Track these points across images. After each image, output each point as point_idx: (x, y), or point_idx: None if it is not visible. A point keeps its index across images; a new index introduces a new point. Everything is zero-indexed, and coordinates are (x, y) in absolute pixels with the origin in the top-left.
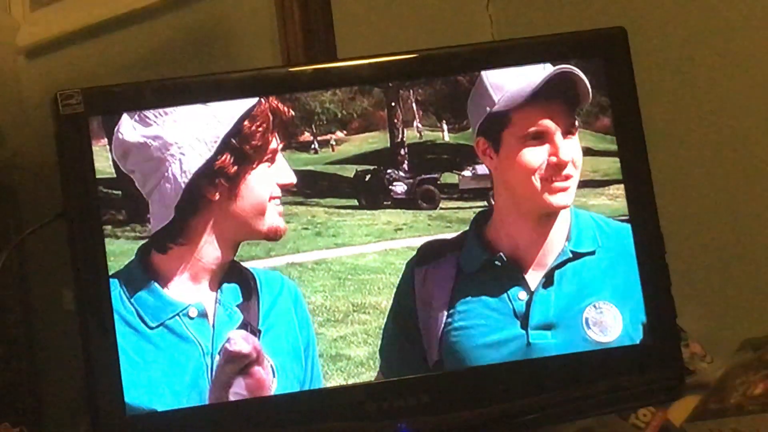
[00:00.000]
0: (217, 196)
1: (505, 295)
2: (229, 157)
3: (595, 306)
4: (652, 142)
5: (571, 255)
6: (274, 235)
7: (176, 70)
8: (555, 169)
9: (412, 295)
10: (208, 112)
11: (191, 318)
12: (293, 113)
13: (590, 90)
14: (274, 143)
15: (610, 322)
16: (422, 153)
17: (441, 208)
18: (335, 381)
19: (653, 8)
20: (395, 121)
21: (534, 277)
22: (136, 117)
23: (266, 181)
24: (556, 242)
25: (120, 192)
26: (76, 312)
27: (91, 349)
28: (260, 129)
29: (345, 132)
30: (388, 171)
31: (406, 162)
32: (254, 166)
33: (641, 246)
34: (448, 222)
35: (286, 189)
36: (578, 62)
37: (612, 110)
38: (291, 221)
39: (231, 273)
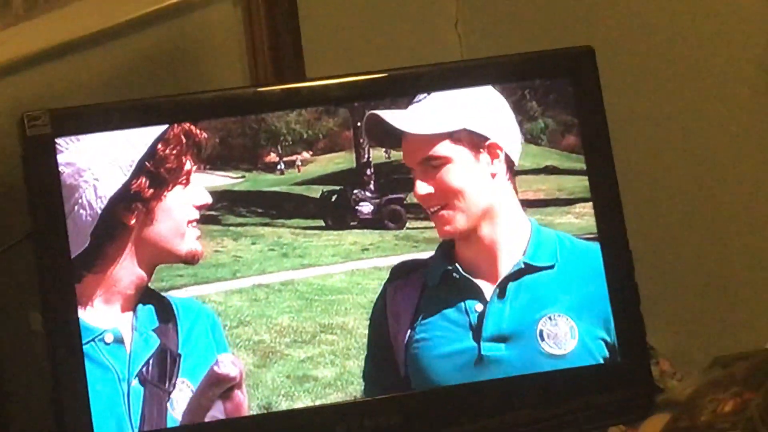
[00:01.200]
0: (134, 221)
1: (462, 306)
2: (144, 180)
3: (550, 318)
4: (620, 161)
5: (523, 266)
6: (192, 259)
7: (144, 91)
8: (421, 201)
9: (384, 310)
10: (121, 137)
11: (107, 343)
12: (205, 135)
13: (398, 128)
14: (189, 165)
15: (565, 335)
16: (388, 173)
17: (407, 228)
18: (302, 402)
19: (621, 27)
20: (361, 141)
21: (489, 288)
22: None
23: (182, 204)
24: (511, 255)
25: None
26: (44, 333)
27: (59, 370)
28: (174, 152)
29: (311, 152)
30: (354, 191)
31: (372, 182)
32: (169, 188)
33: (610, 264)
34: (414, 242)
35: (203, 211)
36: (546, 81)
37: (580, 129)
38: (257, 242)
39: (147, 296)
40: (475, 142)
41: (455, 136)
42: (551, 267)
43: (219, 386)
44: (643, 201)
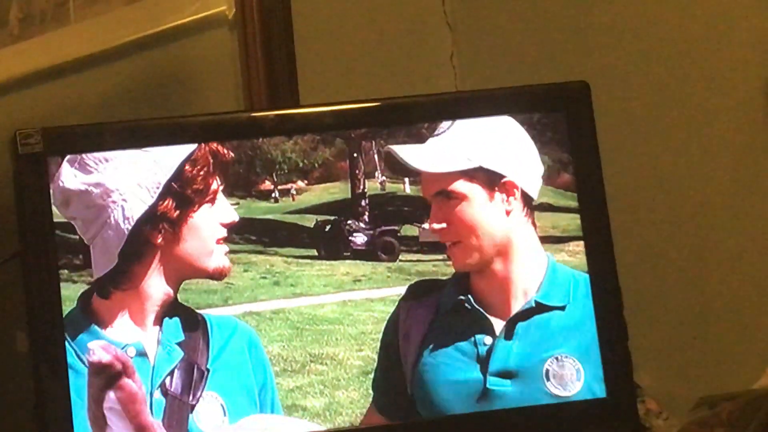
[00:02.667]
0: (161, 240)
1: (472, 338)
2: (171, 201)
3: (557, 359)
4: (612, 198)
5: (534, 305)
6: (219, 276)
7: (138, 113)
8: (436, 234)
9: (396, 328)
10: (149, 158)
11: (130, 357)
12: (233, 155)
13: (413, 166)
14: (215, 184)
15: (571, 377)
16: (383, 204)
17: (401, 260)
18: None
19: (617, 63)
20: (357, 171)
21: (499, 323)
22: (77, 164)
23: (209, 222)
24: (523, 293)
25: (77, 236)
26: (30, 354)
27: (43, 391)
28: (201, 172)
29: (306, 181)
30: (348, 222)
31: (366, 213)
32: (196, 208)
33: (600, 301)
34: (407, 274)
35: (231, 229)
36: (542, 116)
37: (573, 166)
38: (249, 270)
39: (173, 309)
40: (490, 179)
41: (470, 175)
42: (562, 308)
43: (99, 375)
44: (634, 239)
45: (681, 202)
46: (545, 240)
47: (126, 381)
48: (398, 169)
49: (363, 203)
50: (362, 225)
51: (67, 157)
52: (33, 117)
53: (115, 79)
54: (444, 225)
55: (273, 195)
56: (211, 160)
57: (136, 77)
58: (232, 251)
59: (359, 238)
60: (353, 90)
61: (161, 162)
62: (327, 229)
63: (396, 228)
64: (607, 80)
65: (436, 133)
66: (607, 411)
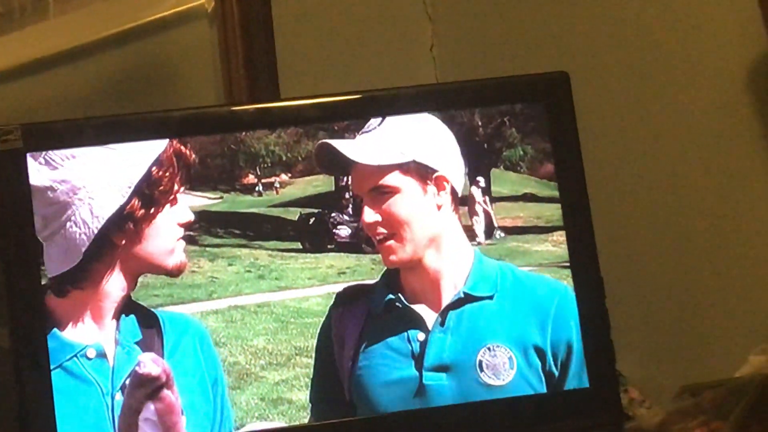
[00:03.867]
0: (124, 240)
1: (405, 335)
2: (138, 202)
3: (489, 348)
4: (593, 188)
5: (463, 296)
6: (177, 272)
7: (118, 108)
8: (368, 229)
9: (329, 336)
10: (117, 156)
11: (89, 359)
12: (195, 155)
13: (350, 158)
14: (176, 186)
15: (504, 365)
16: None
17: None
18: (276, 425)
19: (596, 53)
20: None
21: (431, 318)
22: (41, 159)
23: (169, 222)
24: (451, 285)
25: None
26: (12, 353)
27: (26, 388)
28: (167, 174)
29: (290, 175)
30: (333, 214)
31: (350, 206)
32: (160, 209)
33: (582, 291)
34: None
35: (187, 227)
36: (522, 106)
37: (553, 156)
38: (233, 264)
39: (129, 308)
40: (423, 174)
41: (404, 168)
42: (490, 297)
43: (144, 387)
44: (616, 228)
45: (663, 191)
46: (528, 230)
47: (167, 393)
48: (333, 161)
49: (347, 196)
50: (346, 217)
51: (31, 152)
52: (12, 112)
53: (95, 73)
54: (378, 218)
55: (257, 189)
56: (176, 162)
57: (116, 71)
58: (216, 245)
59: (343, 231)
60: (333, 83)
61: (131, 161)
62: (311, 222)
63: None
64: (587, 70)
65: (367, 128)
66: (589, 400)
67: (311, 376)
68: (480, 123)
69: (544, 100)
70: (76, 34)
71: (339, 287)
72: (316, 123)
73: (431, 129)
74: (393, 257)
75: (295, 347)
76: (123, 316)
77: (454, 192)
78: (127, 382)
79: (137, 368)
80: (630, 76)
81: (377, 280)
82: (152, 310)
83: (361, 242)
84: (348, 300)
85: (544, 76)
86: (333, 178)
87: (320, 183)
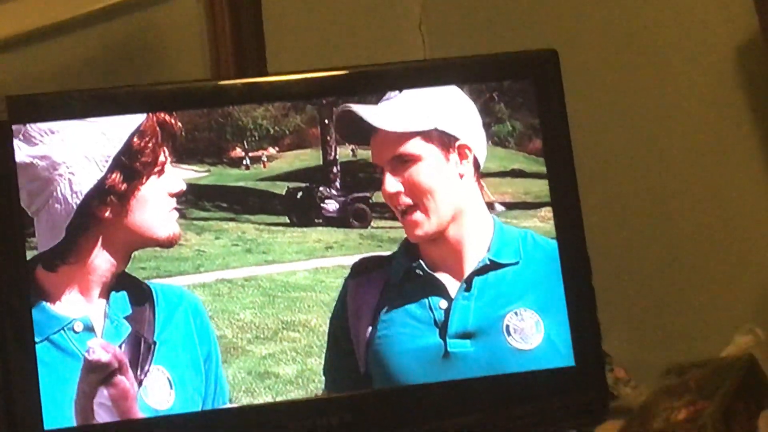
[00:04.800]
0: (108, 214)
1: (426, 302)
2: (119, 175)
3: (516, 313)
4: (581, 165)
5: (489, 263)
6: (169, 243)
7: (105, 82)
8: (390, 201)
9: (345, 307)
10: (97, 129)
11: (76, 332)
12: (180, 125)
13: (372, 124)
14: (163, 156)
15: (531, 330)
16: (354, 171)
17: (372, 227)
18: (263, 399)
19: (585, 30)
20: (328, 138)
21: (454, 286)
22: (21, 136)
23: (158, 194)
24: (475, 253)
25: None
26: None
27: (9, 362)
28: (150, 144)
29: (277, 148)
30: (320, 189)
31: (338, 180)
32: (144, 181)
33: (568, 269)
34: (379, 241)
35: (179, 197)
36: (511, 83)
37: (542, 132)
38: (221, 237)
39: (121, 282)
40: (445, 142)
41: (427, 135)
42: (516, 263)
43: (95, 373)
44: (603, 207)
45: (650, 169)
46: (517, 206)
47: (120, 378)
48: (354, 129)
49: (335, 170)
50: (334, 192)
51: (16, 125)
52: None
53: (82, 48)
54: (400, 188)
55: (244, 162)
56: (159, 131)
57: (103, 46)
58: (203, 218)
59: (331, 205)
60: (321, 58)
61: (110, 134)
62: (299, 196)
63: (368, 194)
64: (576, 48)
65: (388, 97)
66: (575, 379)
67: (325, 349)
68: (469, 98)
69: (533, 77)
70: (63, 8)
71: (327, 262)
72: (303, 98)
73: (453, 99)
74: (418, 231)
75: (282, 321)
76: (114, 291)
77: (476, 162)
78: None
79: (86, 354)
80: (618, 54)
81: (395, 251)
82: (146, 282)
83: (348, 217)
84: (364, 271)
85: (533, 53)
86: (321, 152)
87: (308, 157)
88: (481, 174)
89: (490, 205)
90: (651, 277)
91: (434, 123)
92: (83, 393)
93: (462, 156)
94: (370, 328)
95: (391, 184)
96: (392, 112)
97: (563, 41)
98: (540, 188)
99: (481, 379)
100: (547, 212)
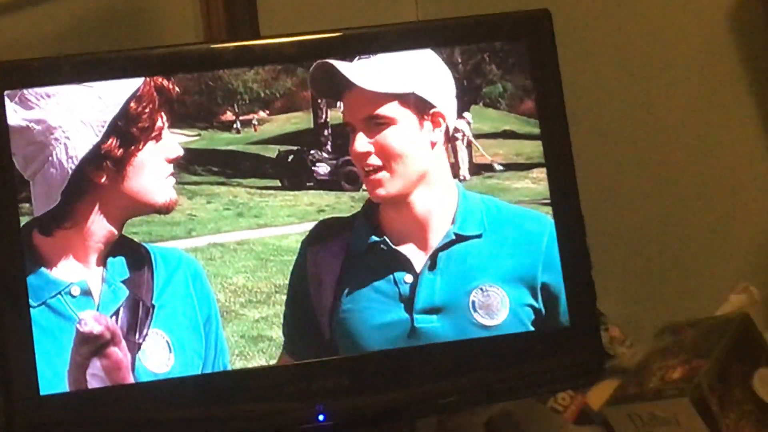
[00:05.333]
0: (104, 179)
1: (391, 277)
2: (115, 140)
3: (482, 289)
4: (574, 126)
5: (454, 237)
6: (166, 210)
7: (98, 46)
8: (357, 160)
9: (304, 274)
10: (93, 94)
11: (73, 296)
12: (178, 90)
13: (351, 80)
14: (160, 122)
15: (497, 305)
16: (345, 134)
17: (364, 190)
18: (257, 362)
19: None
20: (319, 101)
21: (419, 260)
22: (17, 99)
23: (155, 159)
24: (440, 225)
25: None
26: None
27: (4, 327)
28: (147, 109)
29: (268, 112)
30: (311, 152)
31: (329, 143)
32: (141, 146)
33: (562, 229)
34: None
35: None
36: (503, 44)
37: (535, 93)
38: (212, 201)
39: (118, 247)
40: (421, 108)
41: (404, 99)
42: (479, 236)
43: (87, 345)
44: (597, 167)
45: (644, 128)
46: (509, 167)
47: (113, 350)
48: (327, 83)
49: (326, 133)
50: (325, 155)
51: (6, 92)
52: None
53: (73, 12)
54: (370, 149)
55: (235, 126)
56: (157, 96)
57: (94, 10)
58: (194, 183)
59: (322, 168)
60: (313, 20)
61: (106, 99)
62: (290, 160)
63: None
64: (569, 8)
65: (367, 54)
66: (570, 339)
67: (283, 313)
68: (460, 60)
69: (525, 38)
70: None
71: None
72: (295, 61)
73: (431, 64)
74: (380, 191)
75: (274, 285)
76: (111, 257)
77: (447, 130)
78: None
79: (78, 326)
80: (612, 11)
81: (356, 213)
82: (144, 245)
83: (340, 180)
84: (324, 236)
85: (525, 13)
86: (312, 115)
87: (299, 120)
88: (450, 139)
89: (485, 170)
90: (646, 237)
91: (412, 87)
92: (76, 364)
93: (435, 124)
94: (333, 299)
95: (362, 144)
96: (371, 71)
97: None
98: (532, 149)
99: (474, 340)
100: (539, 173)
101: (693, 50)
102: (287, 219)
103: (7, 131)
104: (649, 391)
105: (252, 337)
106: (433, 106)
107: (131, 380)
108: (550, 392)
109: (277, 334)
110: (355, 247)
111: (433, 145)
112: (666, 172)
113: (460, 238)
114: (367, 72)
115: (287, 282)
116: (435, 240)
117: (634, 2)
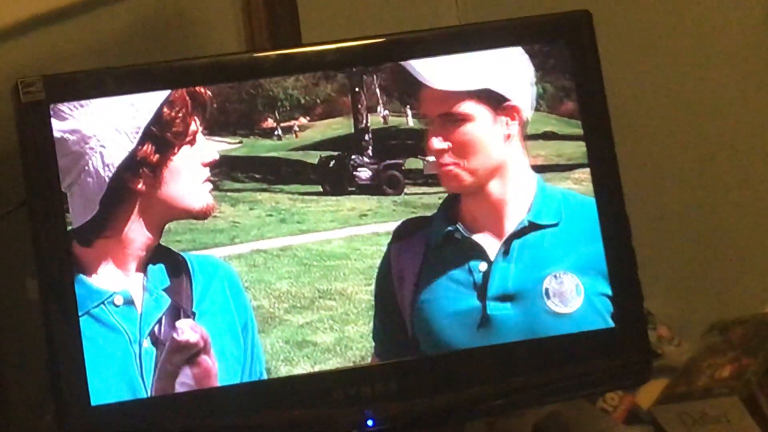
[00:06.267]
0: (141, 185)
1: (466, 266)
2: (150, 146)
3: (555, 276)
4: (617, 126)
5: (528, 224)
6: (203, 215)
7: (141, 57)
8: (434, 155)
9: (389, 271)
10: (126, 101)
11: (117, 306)
12: (210, 94)
13: (424, 81)
14: (194, 126)
15: (571, 293)
16: (386, 138)
17: (406, 194)
18: (301, 368)
19: None
20: (359, 106)
21: (493, 248)
22: (51, 112)
23: (191, 164)
24: (515, 214)
25: None
26: (40, 301)
27: (54, 338)
28: (180, 114)
29: (308, 118)
30: (353, 157)
31: (370, 148)
32: (176, 151)
33: (608, 229)
34: (413, 207)
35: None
36: (544, 45)
37: (577, 94)
38: (255, 208)
39: (157, 255)
40: (495, 102)
41: (477, 95)
42: (555, 225)
43: (181, 353)
44: (641, 165)
45: (688, 125)
46: (550, 168)
47: (204, 358)
48: (405, 86)
49: (366, 138)
50: (366, 159)
51: (54, 104)
52: (35, 63)
53: (116, 22)
54: (445, 146)
55: (276, 132)
56: (189, 101)
57: (136, 20)
58: (237, 190)
59: (364, 173)
60: (355, 26)
61: (139, 106)
62: (331, 165)
63: (400, 161)
64: (610, 8)
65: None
66: (617, 340)
67: (372, 314)
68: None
69: (567, 39)
70: None
71: (362, 229)
72: (337, 68)
73: (507, 57)
74: (456, 184)
75: (318, 290)
76: (151, 264)
77: (523, 123)
78: (156, 329)
79: (175, 335)
80: (655, 13)
81: (435, 211)
82: (181, 254)
83: (382, 184)
84: (406, 234)
85: (567, 15)
86: (352, 120)
87: (339, 125)
88: (526, 135)
89: (535, 166)
90: (692, 234)
91: (486, 83)
92: (166, 372)
93: (510, 117)
94: (413, 292)
95: (437, 141)
96: (445, 70)
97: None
98: (573, 150)
99: (523, 342)
100: (581, 173)
101: (733, 49)
102: (330, 224)
103: (53, 143)
104: (698, 390)
105: (297, 343)
106: (507, 100)
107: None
108: (599, 393)
109: (322, 339)
110: (433, 240)
111: (507, 138)
112: (710, 171)
113: (534, 226)
114: (440, 71)
115: (331, 287)
116: (509, 228)
117: (674, 3)
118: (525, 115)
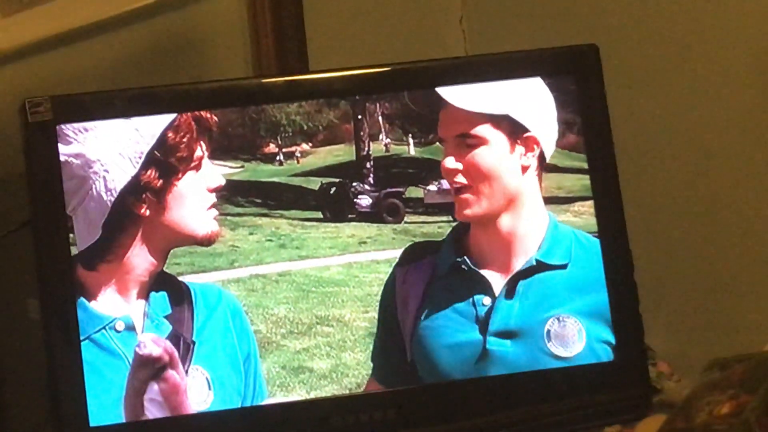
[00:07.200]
0: (145, 211)
1: (471, 299)
2: (154, 171)
3: (558, 319)
4: (621, 160)
5: (535, 264)
6: (208, 242)
7: (148, 80)
8: (446, 176)
9: (393, 294)
10: (130, 126)
11: (118, 331)
12: (216, 119)
13: (444, 98)
14: (200, 151)
15: (572, 338)
16: (388, 166)
17: (406, 222)
18: (297, 394)
19: (627, 26)
20: (361, 134)
21: (499, 284)
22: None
23: (196, 189)
24: (524, 251)
25: None
26: (42, 325)
27: (55, 361)
28: (185, 139)
29: (310, 144)
30: (353, 184)
31: (371, 175)
32: (180, 176)
33: (610, 263)
34: (413, 236)
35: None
36: (549, 78)
37: (582, 127)
38: (255, 233)
39: (160, 282)
40: (514, 131)
41: (497, 120)
42: (563, 266)
43: (146, 368)
44: (644, 201)
45: (692, 161)
46: (550, 201)
47: (171, 373)
48: (423, 100)
49: (368, 165)
50: (367, 187)
51: (61, 125)
52: (43, 85)
53: (124, 46)
54: (459, 167)
55: (278, 158)
56: (195, 126)
57: (145, 44)
58: (237, 214)
59: (364, 200)
60: (362, 54)
61: (143, 130)
62: (332, 192)
63: (401, 190)
64: (617, 42)
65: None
66: (616, 374)
67: (374, 335)
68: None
69: (574, 72)
70: (106, 6)
71: (361, 257)
72: (345, 95)
73: (532, 90)
74: (467, 211)
75: (316, 316)
76: (153, 291)
77: (542, 156)
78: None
79: (137, 349)
80: (660, 45)
81: (444, 237)
82: (185, 282)
83: (382, 212)
84: (413, 258)
85: (574, 48)
86: (354, 147)
87: (341, 152)
88: (544, 167)
89: (548, 202)
90: (694, 271)
91: (507, 109)
92: (133, 389)
93: (528, 148)
94: (415, 317)
95: (451, 161)
96: (467, 90)
97: (605, 36)
98: (573, 182)
99: (523, 374)
100: (580, 206)
101: (743, 86)
102: (329, 251)
103: (59, 164)
104: (697, 426)
105: (293, 368)
106: (527, 130)
107: (188, 404)
108: (598, 427)
109: (318, 365)
110: (440, 268)
111: (524, 170)
112: (715, 205)
113: (542, 266)
114: (461, 91)
115: (329, 314)
116: (517, 265)
117: (682, 35)
118: (544, 148)
